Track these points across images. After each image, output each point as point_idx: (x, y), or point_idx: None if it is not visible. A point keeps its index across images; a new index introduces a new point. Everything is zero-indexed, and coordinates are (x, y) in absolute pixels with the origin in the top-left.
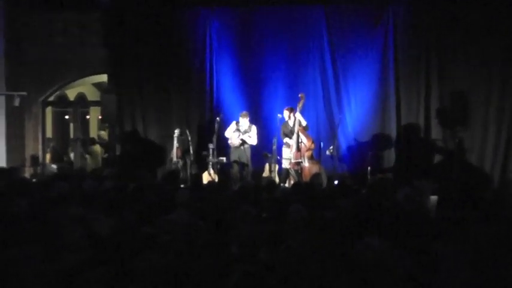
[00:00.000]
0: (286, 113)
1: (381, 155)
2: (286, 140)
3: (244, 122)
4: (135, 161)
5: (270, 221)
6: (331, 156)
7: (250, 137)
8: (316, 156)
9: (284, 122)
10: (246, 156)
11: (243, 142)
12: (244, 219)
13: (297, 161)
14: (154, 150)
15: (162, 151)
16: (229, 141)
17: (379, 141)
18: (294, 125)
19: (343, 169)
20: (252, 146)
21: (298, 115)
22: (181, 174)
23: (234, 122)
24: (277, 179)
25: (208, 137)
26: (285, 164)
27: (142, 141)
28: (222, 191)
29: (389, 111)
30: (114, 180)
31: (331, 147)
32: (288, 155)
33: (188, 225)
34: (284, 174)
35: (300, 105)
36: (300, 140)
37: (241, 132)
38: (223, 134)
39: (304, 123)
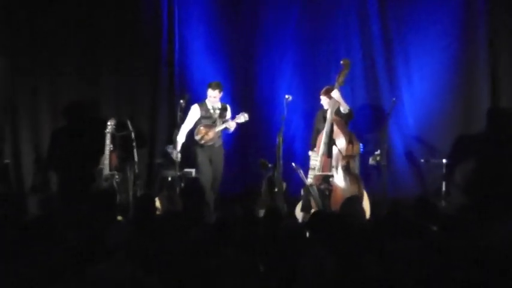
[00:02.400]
0: (324, 99)
1: (464, 166)
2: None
3: (215, 97)
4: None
5: (269, 279)
6: (378, 167)
7: (229, 128)
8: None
9: (320, 111)
10: (218, 162)
11: (217, 134)
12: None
13: (325, 174)
14: (69, 158)
15: (88, 158)
16: (197, 137)
17: (460, 144)
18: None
19: (398, 190)
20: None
21: (336, 94)
22: (119, 197)
23: (194, 106)
24: (284, 205)
25: (165, 134)
26: (304, 181)
27: (53, 143)
28: (188, 227)
29: (477, 94)
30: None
31: (378, 152)
32: (313, 163)
33: (127, 283)
34: (304, 195)
35: (341, 79)
36: (332, 139)
37: (217, 118)
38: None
39: (345, 108)
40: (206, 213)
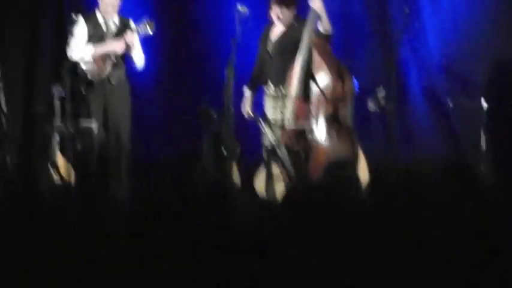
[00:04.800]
0: (279, 11)
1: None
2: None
3: (112, 6)
4: None
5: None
6: (381, 114)
7: (131, 49)
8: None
9: (265, 30)
10: (121, 108)
11: (116, 62)
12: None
13: (300, 127)
14: None
15: None
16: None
17: (508, 80)
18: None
19: (413, 150)
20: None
21: (318, 1)
22: None
23: (80, 19)
24: (237, 178)
25: (48, 66)
26: (268, 139)
27: None
28: (88, 207)
29: None
30: None
31: (381, 92)
32: (273, 114)
33: None
34: (267, 161)
35: None
36: (311, 73)
37: (112, 39)
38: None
39: (327, 25)
40: (112, 190)
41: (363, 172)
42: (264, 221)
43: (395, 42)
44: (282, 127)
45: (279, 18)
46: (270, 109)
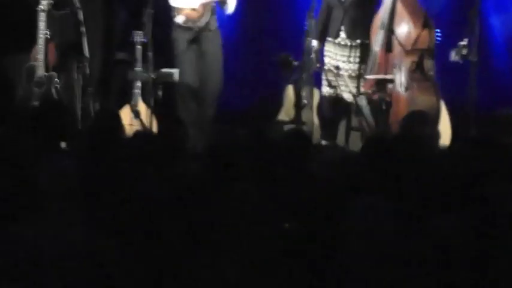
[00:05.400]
0: None
1: None
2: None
3: None
4: None
5: (296, 238)
6: (464, 65)
7: None
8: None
9: None
10: (214, 56)
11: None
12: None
13: (381, 77)
14: None
15: (9, 50)
16: (176, 18)
17: None
18: None
19: (498, 102)
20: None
21: None
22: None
23: None
24: (316, 127)
25: (129, 13)
26: (343, 88)
27: None
28: (170, 158)
29: None
30: None
31: (464, 42)
32: (346, 64)
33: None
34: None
35: None
36: (393, 23)
37: None
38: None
39: None
40: (193, 136)
41: (445, 124)
42: (344, 169)
43: None
44: (359, 77)
45: None
46: (343, 59)
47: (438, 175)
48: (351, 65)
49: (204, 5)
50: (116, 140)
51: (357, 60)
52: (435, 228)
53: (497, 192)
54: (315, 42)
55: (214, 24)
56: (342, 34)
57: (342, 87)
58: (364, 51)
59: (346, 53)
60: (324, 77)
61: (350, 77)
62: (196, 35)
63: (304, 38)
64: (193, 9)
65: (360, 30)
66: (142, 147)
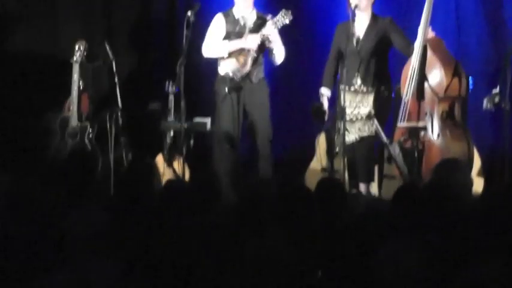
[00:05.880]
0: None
1: None
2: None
3: (247, 9)
4: None
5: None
6: (497, 113)
7: (271, 42)
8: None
9: (344, 26)
10: (260, 108)
11: (256, 57)
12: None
13: (413, 124)
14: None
15: (43, 102)
16: (219, 68)
17: None
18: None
19: None
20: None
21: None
22: (96, 160)
23: (218, 17)
24: (346, 175)
25: (163, 64)
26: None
27: None
28: (202, 210)
29: None
30: None
31: (497, 90)
32: (362, 109)
33: None
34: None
35: None
36: (424, 70)
37: (245, 33)
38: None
39: (431, 34)
40: (226, 185)
41: (477, 171)
42: (373, 217)
43: (511, 41)
44: (357, 119)
45: (359, 7)
46: (359, 104)
47: (471, 223)
48: (364, 109)
49: (242, 55)
50: (149, 190)
51: (370, 104)
52: (468, 277)
53: None
54: (325, 90)
55: (259, 76)
56: (358, 81)
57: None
58: (378, 97)
59: (360, 99)
60: (348, 126)
61: (361, 119)
62: (238, 85)
63: (336, 86)
64: (234, 59)
65: (375, 77)
66: (174, 198)
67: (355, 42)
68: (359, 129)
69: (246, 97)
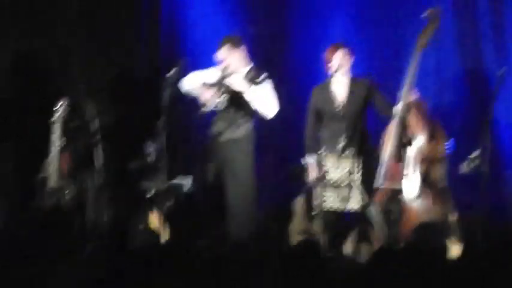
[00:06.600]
0: (342, 57)
1: None
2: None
3: (228, 57)
4: None
5: None
6: (476, 176)
7: (257, 92)
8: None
9: (318, 86)
10: (243, 160)
11: (239, 103)
12: None
13: (391, 186)
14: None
15: (22, 162)
16: (203, 102)
17: None
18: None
19: (506, 215)
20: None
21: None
22: (77, 220)
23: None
24: (324, 237)
25: (144, 123)
26: (352, 200)
27: None
28: (180, 265)
29: None
30: None
31: (476, 154)
32: (355, 175)
33: None
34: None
35: (424, 39)
36: (405, 133)
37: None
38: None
39: (413, 97)
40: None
41: (455, 237)
42: (350, 281)
43: (489, 105)
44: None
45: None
46: (352, 170)
47: None
48: (357, 174)
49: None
50: (128, 249)
51: (361, 167)
52: None
53: None
54: (310, 158)
55: (241, 131)
56: (342, 145)
57: (351, 199)
58: (364, 158)
59: (350, 164)
60: (327, 192)
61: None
62: (221, 145)
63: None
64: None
65: (357, 138)
66: (151, 257)
67: (338, 106)
68: (339, 195)
69: (226, 155)
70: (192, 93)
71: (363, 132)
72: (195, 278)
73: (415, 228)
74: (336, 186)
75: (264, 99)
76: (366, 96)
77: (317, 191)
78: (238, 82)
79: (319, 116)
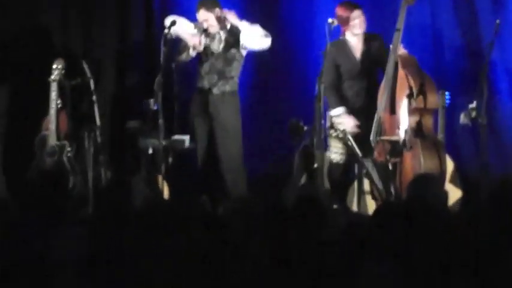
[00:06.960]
0: (356, 16)
1: None
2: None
3: (206, 17)
4: None
5: None
6: (473, 127)
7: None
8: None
9: (334, 42)
10: (233, 114)
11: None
12: None
13: (386, 138)
14: None
15: (21, 121)
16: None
17: None
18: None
19: (508, 165)
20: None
21: (402, 16)
22: (72, 180)
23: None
24: (328, 190)
25: (142, 82)
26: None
27: None
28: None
29: None
30: None
31: (473, 105)
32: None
33: None
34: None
35: None
36: (395, 86)
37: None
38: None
39: (402, 51)
40: (208, 205)
41: (453, 187)
42: (354, 235)
43: (487, 55)
44: (364, 141)
45: (358, 26)
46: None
47: (448, 240)
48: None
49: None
50: (128, 208)
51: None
52: None
53: (509, 258)
54: (340, 110)
55: (222, 88)
56: (359, 100)
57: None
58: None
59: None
60: (333, 143)
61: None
62: (206, 98)
63: (314, 102)
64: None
65: (367, 97)
66: (152, 217)
67: (357, 62)
68: (341, 147)
69: (218, 111)
70: (182, 36)
71: (375, 90)
72: (197, 235)
73: (409, 183)
74: (337, 138)
75: (256, 33)
76: (378, 54)
77: (320, 143)
78: (233, 18)
79: (338, 72)
